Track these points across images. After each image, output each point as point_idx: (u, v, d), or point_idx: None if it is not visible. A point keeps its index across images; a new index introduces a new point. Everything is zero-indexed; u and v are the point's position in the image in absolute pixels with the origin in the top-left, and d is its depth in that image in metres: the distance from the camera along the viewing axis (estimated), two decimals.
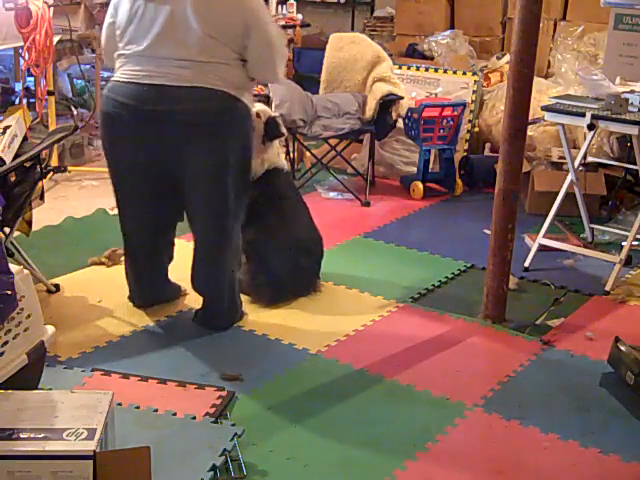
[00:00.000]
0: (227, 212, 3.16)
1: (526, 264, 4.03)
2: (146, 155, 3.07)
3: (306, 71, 5.92)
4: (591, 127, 3.85)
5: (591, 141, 4.10)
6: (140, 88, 2.99)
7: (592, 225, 4.39)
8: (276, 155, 3.62)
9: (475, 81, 5.59)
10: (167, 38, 2.97)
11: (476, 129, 5.72)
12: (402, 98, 5.16)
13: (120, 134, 3.09)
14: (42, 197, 3.62)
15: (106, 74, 7.65)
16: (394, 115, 5.19)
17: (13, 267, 2.45)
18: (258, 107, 3.60)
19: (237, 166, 3.10)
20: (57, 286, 3.59)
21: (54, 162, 4.94)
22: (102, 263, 3.90)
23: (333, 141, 5.15)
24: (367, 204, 4.98)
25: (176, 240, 4.27)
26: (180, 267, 3.98)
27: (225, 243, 3.21)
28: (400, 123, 5.30)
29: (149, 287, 3.47)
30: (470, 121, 5.57)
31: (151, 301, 3.47)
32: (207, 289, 3.33)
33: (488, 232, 3.53)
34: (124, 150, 3.11)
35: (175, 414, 2.67)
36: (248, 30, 2.99)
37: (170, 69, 2.96)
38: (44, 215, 4.23)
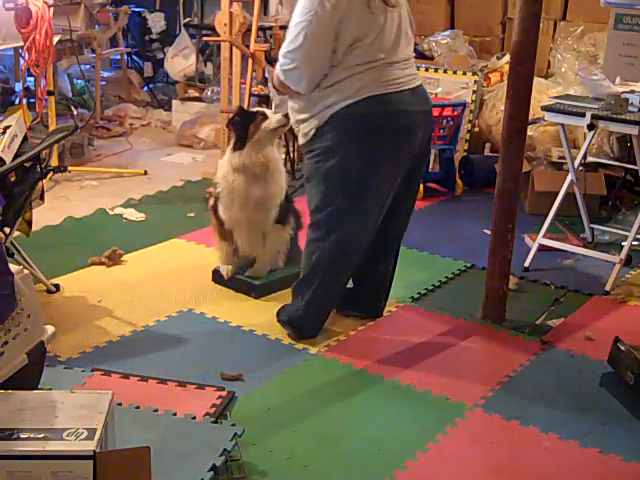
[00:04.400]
0: None
1: (526, 264, 4.03)
2: (408, 160, 3.10)
3: None
4: (591, 127, 3.85)
5: (591, 141, 4.10)
6: (414, 93, 3.05)
7: (592, 225, 4.39)
8: None
9: (475, 81, 5.59)
10: (402, 41, 3.02)
11: (476, 129, 5.71)
12: None
13: (408, 143, 3.07)
14: (42, 197, 3.62)
15: (106, 74, 7.69)
16: None
17: (13, 267, 2.45)
18: (258, 109, 3.66)
19: None
20: (57, 286, 3.59)
21: (54, 162, 4.94)
22: (102, 263, 3.90)
23: None
24: None
25: (176, 240, 4.30)
26: (183, 265, 3.98)
27: None
28: None
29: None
30: (470, 121, 5.57)
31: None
32: (388, 280, 3.48)
33: (488, 232, 3.53)
34: (400, 158, 3.08)
35: (175, 414, 2.67)
36: None
37: (410, 70, 3.07)
38: (44, 215, 4.23)
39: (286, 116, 3.44)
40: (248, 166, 3.51)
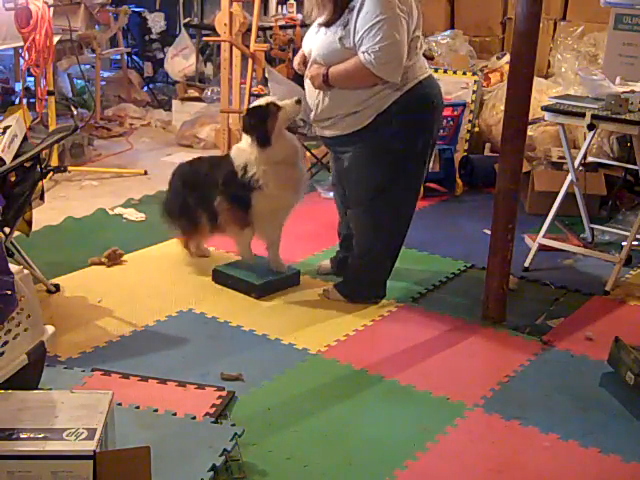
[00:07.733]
0: None
1: (526, 264, 4.03)
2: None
3: None
4: (591, 127, 3.85)
5: (591, 141, 4.10)
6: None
7: (592, 225, 4.39)
8: None
9: (475, 81, 5.59)
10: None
11: (476, 129, 5.71)
12: None
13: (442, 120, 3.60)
14: (42, 197, 3.62)
15: (106, 74, 7.69)
16: None
17: (13, 267, 2.45)
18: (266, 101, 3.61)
19: None
20: (57, 286, 3.59)
21: (54, 162, 4.93)
22: (102, 263, 3.90)
23: None
24: None
25: (176, 240, 4.29)
26: (183, 265, 3.98)
27: None
28: None
29: None
30: (470, 121, 5.57)
31: None
32: None
33: (488, 232, 3.53)
34: (436, 134, 3.50)
35: (175, 414, 2.67)
36: None
37: None
38: (44, 215, 4.23)
39: (299, 102, 3.52)
40: (287, 156, 3.57)
